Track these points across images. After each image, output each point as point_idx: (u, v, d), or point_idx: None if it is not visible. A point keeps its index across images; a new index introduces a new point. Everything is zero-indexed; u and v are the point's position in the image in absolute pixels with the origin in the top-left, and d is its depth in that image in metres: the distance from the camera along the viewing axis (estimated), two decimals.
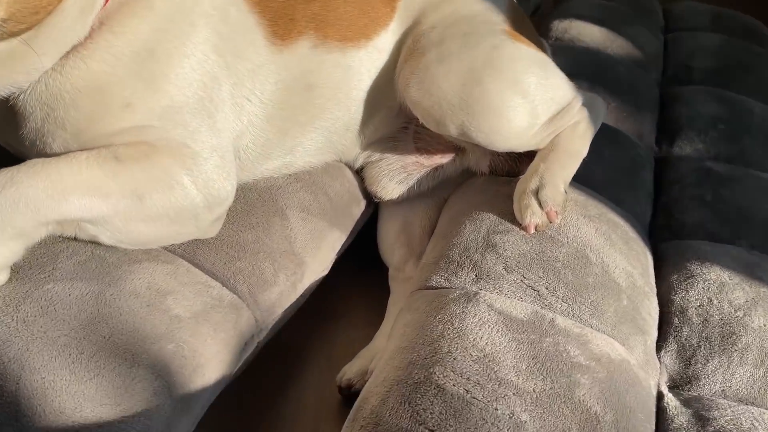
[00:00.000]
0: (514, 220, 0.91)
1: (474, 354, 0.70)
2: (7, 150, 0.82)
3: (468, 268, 0.85)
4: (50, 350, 0.63)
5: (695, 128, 1.37)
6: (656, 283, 0.95)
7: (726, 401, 0.79)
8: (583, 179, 1.07)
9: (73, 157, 0.69)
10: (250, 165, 0.90)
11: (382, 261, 1.10)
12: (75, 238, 0.73)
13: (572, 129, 0.96)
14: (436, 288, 0.85)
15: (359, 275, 1.12)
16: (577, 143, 0.95)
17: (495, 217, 0.92)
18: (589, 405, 0.68)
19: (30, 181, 0.66)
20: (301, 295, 0.91)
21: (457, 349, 0.71)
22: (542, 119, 0.93)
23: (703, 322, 0.86)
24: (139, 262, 0.75)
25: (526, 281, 0.83)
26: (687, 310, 0.88)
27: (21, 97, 0.71)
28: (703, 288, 0.90)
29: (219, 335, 0.75)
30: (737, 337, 0.84)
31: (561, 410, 0.67)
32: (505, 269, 0.84)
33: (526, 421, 0.65)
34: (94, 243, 0.74)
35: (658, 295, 0.93)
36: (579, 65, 1.39)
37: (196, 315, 0.74)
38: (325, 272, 0.97)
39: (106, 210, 0.70)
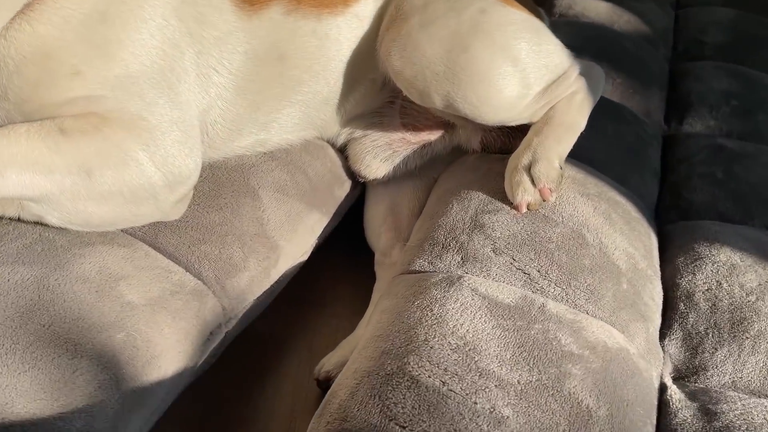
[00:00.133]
0: (504, 199, 0.84)
1: (453, 342, 0.64)
2: None
3: (453, 251, 0.79)
4: None
5: (706, 104, 1.29)
6: (661, 266, 0.88)
7: (736, 394, 0.71)
8: (584, 157, 0.99)
9: (12, 129, 0.63)
10: (220, 142, 0.84)
11: None
12: (20, 220, 0.67)
13: (568, 100, 0.88)
14: (419, 272, 0.78)
15: (347, 261, 1.06)
16: (573, 115, 0.88)
17: (485, 195, 0.86)
18: (580, 398, 0.61)
19: None
20: (277, 282, 0.84)
21: (434, 337, 0.64)
22: (535, 89, 0.86)
23: (711, 307, 0.79)
24: (92, 245, 0.69)
25: (516, 264, 0.76)
26: (694, 294, 0.81)
27: None
28: (711, 270, 0.83)
29: (178, 324, 0.69)
30: (749, 323, 0.76)
31: (548, 404, 0.60)
32: (494, 251, 0.78)
33: (508, 416, 0.58)
34: (43, 225, 0.68)
35: (663, 278, 0.85)
36: (583, 40, 1.31)
37: (152, 302, 0.68)
38: (305, 257, 0.91)
39: (50, 187, 0.64)
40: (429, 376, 0.61)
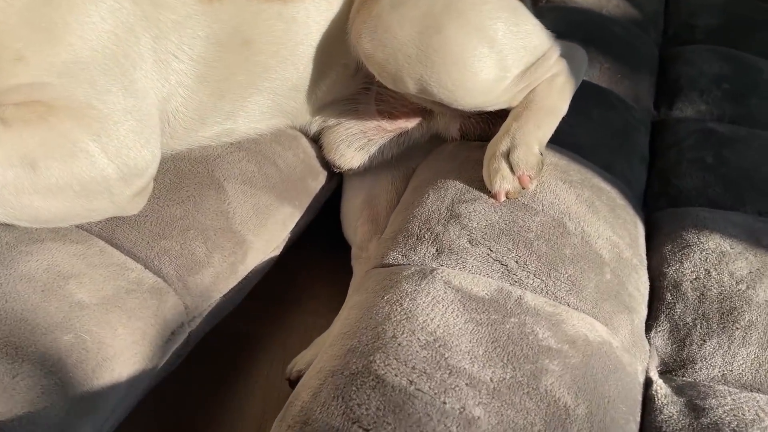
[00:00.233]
0: (483, 188, 0.80)
1: (422, 338, 0.60)
2: None
3: (428, 242, 0.75)
4: None
5: (697, 88, 1.25)
6: (648, 255, 0.84)
7: (726, 387, 0.68)
8: (568, 143, 0.95)
9: None
10: (183, 132, 0.80)
11: None
12: None
13: (549, 83, 0.84)
14: (392, 265, 0.74)
15: (324, 257, 1.02)
16: (554, 99, 0.84)
17: (462, 184, 0.82)
18: (557, 396, 0.58)
19: None
20: (246, 278, 0.81)
21: (402, 334, 0.61)
22: (513, 71, 0.82)
23: (699, 297, 0.75)
24: (41, 241, 0.65)
25: (493, 255, 0.73)
26: (681, 283, 0.77)
27: None
28: (700, 259, 0.79)
29: (134, 324, 0.66)
30: (739, 313, 0.72)
31: (523, 403, 0.56)
32: (470, 242, 0.74)
33: (479, 417, 0.54)
34: None
35: (650, 268, 0.82)
36: (570, 25, 1.27)
37: (104, 301, 0.64)
38: (276, 252, 0.87)
39: None
40: (396, 375, 0.57)
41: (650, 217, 0.93)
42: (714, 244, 0.80)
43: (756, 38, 1.47)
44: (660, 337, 0.73)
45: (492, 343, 0.61)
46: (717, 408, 0.63)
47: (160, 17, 0.73)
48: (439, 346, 0.59)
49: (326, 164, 0.96)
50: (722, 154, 1.02)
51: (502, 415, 0.55)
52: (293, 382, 0.81)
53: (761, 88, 1.24)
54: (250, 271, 0.81)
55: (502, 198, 0.78)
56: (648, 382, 0.69)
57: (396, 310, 0.64)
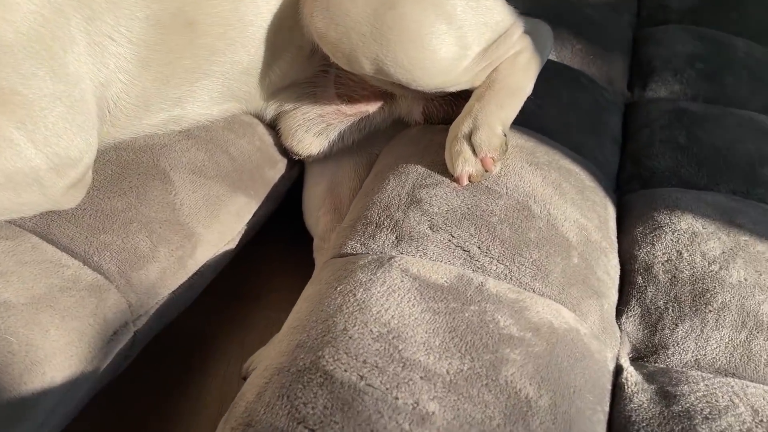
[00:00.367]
0: (445, 172, 0.77)
1: (375, 330, 0.56)
2: None
3: (387, 230, 0.71)
4: None
5: (670, 69, 1.22)
6: (619, 237, 0.81)
7: (699, 373, 0.64)
8: (536, 125, 0.92)
9: None
10: (125, 120, 0.75)
11: None
12: None
13: (512, 61, 0.81)
14: (350, 255, 0.70)
15: (286, 249, 0.98)
16: (518, 77, 0.81)
17: (424, 169, 0.78)
18: (518, 387, 0.54)
19: None
20: (197, 273, 0.76)
21: (354, 326, 0.57)
22: (474, 49, 0.78)
23: (671, 279, 0.72)
24: None
25: (454, 240, 0.69)
26: (653, 266, 0.73)
27: None
28: (671, 240, 0.75)
29: (69, 324, 0.61)
30: (712, 295, 0.69)
31: (481, 395, 0.53)
32: (431, 228, 0.70)
33: (433, 412, 0.51)
34: None
35: (621, 251, 0.78)
36: (542, 6, 1.23)
37: (34, 300, 0.60)
38: (231, 246, 0.82)
39: None
40: (345, 371, 0.53)
41: (622, 199, 0.90)
42: (686, 224, 0.77)
43: (730, 17, 1.44)
44: (631, 323, 0.70)
45: (450, 332, 0.57)
46: (689, 395, 0.60)
47: None
48: (393, 338, 0.56)
49: (285, 152, 0.92)
50: (695, 133, 0.99)
51: (458, 409, 0.51)
52: None
53: (736, 67, 1.22)
54: (202, 266, 0.77)
55: (465, 182, 0.74)
56: (618, 370, 0.66)
57: (348, 301, 0.60)
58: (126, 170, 0.73)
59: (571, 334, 0.62)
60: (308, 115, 0.88)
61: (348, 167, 0.93)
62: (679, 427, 0.57)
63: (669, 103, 1.09)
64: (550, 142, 0.88)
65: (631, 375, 0.64)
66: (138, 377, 0.77)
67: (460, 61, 0.78)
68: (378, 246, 0.70)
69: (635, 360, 0.68)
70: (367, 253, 0.69)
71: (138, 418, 0.77)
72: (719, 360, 0.66)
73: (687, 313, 0.68)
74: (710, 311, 0.68)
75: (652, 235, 0.77)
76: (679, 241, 0.75)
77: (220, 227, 0.79)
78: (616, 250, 0.77)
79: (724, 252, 0.73)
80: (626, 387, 0.62)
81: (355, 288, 0.61)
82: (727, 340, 0.67)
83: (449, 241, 0.69)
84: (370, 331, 0.56)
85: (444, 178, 0.76)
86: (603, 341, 0.66)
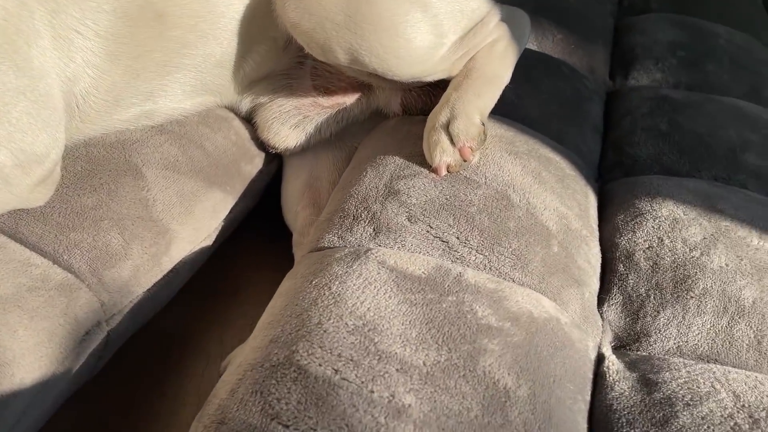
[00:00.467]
0: (423, 162, 0.76)
1: (351, 323, 0.55)
2: None
3: (365, 222, 0.70)
4: None
5: (652, 57, 1.21)
6: (600, 226, 0.80)
7: (681, 360, 0.64)
8: (516, 114, 0.91)
9: None
10: (95, 115, 0.73)
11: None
12: None
13: (489, 49, 0.80)
14: (328, 248, 0.69)
15: (266, 245, 0.96)
16: (495, 66, 0.80)
17: (402, 160, 0.77)
18: (496, 377, 0.53)
19: None
20: (173, 270, 0.75)
21: (329, 319, 0.56)
22: (450, 38, 0.77)
23: (652, 266, 0.71)
24: None
25: (433, 231, 0.68)
26: (634, 254, 0.73)
27: None
28: (652, 227, 0.75)
29: (38, 324, 0.60)
30: (693, 281, 0.69)
31: (458, 387, 0.52)
32: (409, 219, 0.69)
33: (410, 405, 0.50)
34: None
35: (602, 239, 0.77)
36: None
37: (1, 301, 0.58)
38: (208, 242, 0.81)
39: None
40: (320, 365, 0.52)
41: (605, 187, 0.89)
42: (667, 211, 0.76)
43: (711, 3, 1.44)
44: (613, 311, 0.69)
45: (427, 324, 0.56)
46: (670, 381, 0.59)
47: None
48: (369, 331, 0.55)
49: (263, 146, 0.90)
50: (676, 120, 0.99)
51: (435, 401, 0.50)
52: None
53: (717, 54, 1.21)
54: (178, 263, 0.75)
55: (443, 172, 0.73)
56: (600, 359, 0.65)
57: (324, 294, 0.59)
58: (97, 167, 0.72)
59: (551, 323, 0.61)
60: (284, 108, 0.86)
61: (327, 161, 0.92)
62: (661, 414, 0.56)
63: (651, 91, 1.09)
64: (531, 131, 0.87)
65: (613, 363, 0.63)
66: (115, 377, 0.75)
67: (436, 50, 0.77)
68: (355, 239, 0.69)
69: (617, 348, 0.67)
70: (345, 246, 0.68)
71: (116, 418, 0.75)
72: (701, 346, 0.65)
73: (668, 300, 0.68)
74: (692, 297, 0.67)
75: (633, 222, 0.76)
76: (661, 228, 0.74)
77: (196, 223, 0.77)
78: (597, 238, 0.77)
79: (705, 238, 0.73)
80: (608, 375, 0.62)
81: (330, 281, 0.60)
82: (708, 326, 0.66)
83: (427, 232, 0.68)
84: (346, 324, 0.55)
85: (422, 169, 0.75)
86: (584, 330, 0.66)
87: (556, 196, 0.75)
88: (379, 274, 0.61)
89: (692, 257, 0.70)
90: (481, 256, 0.66)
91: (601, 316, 0.70)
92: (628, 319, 0.68)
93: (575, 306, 0.67)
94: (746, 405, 0.56)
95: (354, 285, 0.59)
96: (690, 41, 1.24)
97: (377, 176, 0.75)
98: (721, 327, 0.66)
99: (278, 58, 0.85)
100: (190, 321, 0.85)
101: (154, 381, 0.78)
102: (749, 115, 1.00)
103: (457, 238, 0.67)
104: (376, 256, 0.63)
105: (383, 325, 0.55)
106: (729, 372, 0.62)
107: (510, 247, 0.67)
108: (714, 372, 0.61)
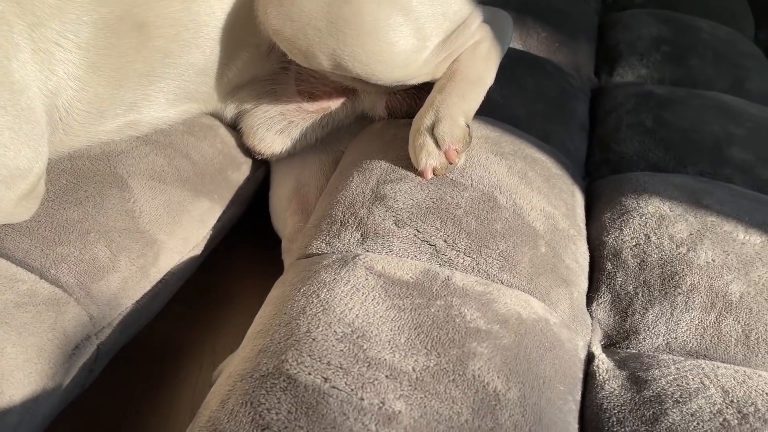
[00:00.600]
0: (409, 166, 0.76)
1: (339, 331, 0.55)
2: None
3: (353, 228, 0.70)
4: None
5: (636, 53, 1.22)
6: (588, 224, 0.80)
7: (670, 356, 0.64)
8: (502, 114, 0.92)
9: None
10: (79, 127, 0.73)
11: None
12: None
13: (472, 51, 0.80)
14: (316, 255, 0.69)
15: (255, 253, 0.96)
16: (479, 67, 0.80)
17: (388, 164, 0.77)
18: (486, 381, 0.53)
19: None
20: (162, 281, 0.75)
21: (318, 327, 0.56)
22: (433, 41, 0.77)
23: (640, 264, 0.71)
24: None
25: (420, 235, 0.68)
26: (621, 251, 0.73)
27: None
28: (639, 224, 0.75)
29: (26, 340, 0.59)
30: (681, 277, 0.69)
31: (448, 391, 0.52)
32: (396, 224, 0.69)
33: (400, 411, 0.50)
34: None
35: (590, 238, 0.78)
36: None
37: None
38: (197, 251, 0.81)
39: None
40: (309, 374, 0.52)
41: (592, 185, 0.90)
42: (653, 207, 0.77)
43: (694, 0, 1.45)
44: (602, 309, 0.70)
45: (415, 329, 0.56)
46: (660, 379, 0.60)
47: (35, 2, 0.66)
48: (357, 338, 0.55)
49: (249, 153, 0.90)
50: (661, 116, 0.99)
51: (425, 406, 0.50)
52: None
53: (701, 48, 1.22)
54: (166, 274, 0.75)
55: (430, 175, 0.73)
56: (590, 358, 0.65)
57: (312, 302, 0.59)
58: (82, 179, 0.71)
59: (540, 324, 0.62)
60: (269, 113, 0.86)
61: (314, 166, 0.92)
62: (650, 412, 0.56)
63: (635, 87, 1.09)
64: (516, 131, 0.87)
65: (603, 362, 0.63)
66: (107, 389, 0.75)
67: (419, 53, 0.77)
68: (343, 245, 0.69)
69: (607, 347, 0.68)
70: (333, 252, 0.68)
71: (109, 430, 0.75)
72: (690, 342, 0.66)
73: (656, 296, 0.68)
74: (679, 294, 0.68)
75: (620, 220, 0.77)
76: (647, 225, 0.75)
77: (183, 233, 0.77)
78: (585, 237, 0.77)
79: (691, 234, 0.73)
80: (598, 374, 0.62)
81: (318, 289, 0.60)
82: (697, 322, 0.67)
83: (415, 236, 0.68)
84: (334, 332, 0.55)
85: (408, 173, 0.75)
86: (573, 330, 0.66)
87: (542, 196, 0.76)
88: (367, 281, 0.61)
89: (679, 253, 0.71)
90: (468, 258, 0.66)
91: (591, 315, 0.70)
92: (617, 317, 0.69)
93: (564, 306, 0.67)
94: (735, 400, 0.57)
95: (342, 292, 0.59)
96: (673, 36, 1.24)
97: (363, 181, 0.75)
98: (710, 322, 0.66)
99: (262, 64, 0.85)
100: (182, 330, 0.85)
101: (147, 391, 0.78)
102: (733, 109, 1.01)
103: (445, 241, 0.68)
104: (363, 262, 0.63)
105: (372, 332, 0.55)
106: (718, 367, 0.62)
107: (497, 248, 0.67)
108: (703, 368, 0.62)
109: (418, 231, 0.68)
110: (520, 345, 0.58)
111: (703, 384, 0.60)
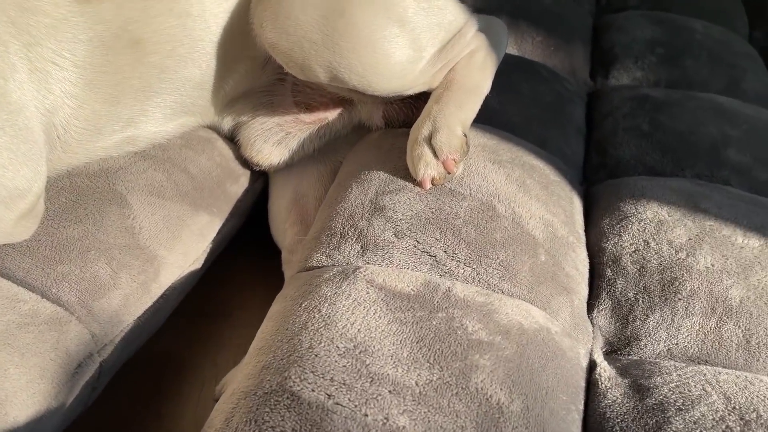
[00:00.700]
0: (408, 177, 0.76)
1: (342, 346, 0.55)
2: None
3: (352, 240, 0.70)
4: None
5: (631, 55, 1.22)
6: (587, 230, 0.80)
7: (672, 363, 0.64)
8: (498, 121, 0.92)
9: None
10: (77, 145, 0.73)
11: None
12: None
13: (468, 60, 0.80)
14: (316, 268, 0.69)
15: (256, 265, 0.96)
16: (475, 76, 0.80)
17: (386, 175, 0.77)
18: (489, 393, 0.53)
19: None
20: (163, 297, 0.75)
21: (320, 343, 0.56)
22: (429, 51, 0.77)
23: (639, 270, 0.71)
24: None
25: (420, 246, 0.68)
26: (621, 258, 0.73)
27: None
28: (638, 230, 0.75)
29: (29, 361, 0.59)
30: (681, 283, 0.69)
31: (452, 405, 0.52)
32: (396, 235, 0.69)
33: (404, 426, 0.50)
34: None
35: (589, 244, 0.78)
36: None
37: None
38: (197, 266, 0.81)
39: None
40: (312, 390, 0.52)
41: (590, 190, 0.90)
42: (651, 213, 0.77)
43: (688, 1, 1.45)
44: (603, 316, 0.70)
45: (417, 342, 0.56)
46: (662, 386, 0.60)
47: (31, 22, 0.66)
48: (360, 353, 0.55)
49: (247, 165, 0.90)
50: (658, 119, 0.99)
51: (429, 421, 0.50)
52: None
53: (695, 49, 1.22)
54: (167, 289, 0.75)
55: (428, 185, 0.73)
56: (592, 365, 0.65)
57: (314, 317, 0.59)
58: (81, 197, 0.71)
59: (542, 333, 0.62)
60: (266, 125, 0.86)
61: (312, 177, 0.92)
62: (653, 420, 0.56)
63: (631, 91, 1.10)
64: (514, 138, 0.87)
65: (605, 370, 0.64)
66: (111, 405, 0.75)
67: (415, 64, 0.77)
68: (343, 257, 0.69)
69: (609, 354, 0.68)
70: (333, 265, 0.68)
71: None
72: (691, 348, 0.66)
73: (657, 303, 0.68)
74: (680, 299, 0.68)
75: (618, 226, 0.77)
76: (646, 231, 0.75)
77: (183, 248, 0.77)
78: (584, 244, 0.77)
79: (690, 239, 0.73)
80: (600, 383, 0.62)
81: (320, 303, 0.60)
82: (697, 327, 0.67)
83: (415, 247, 0.68)
84: (337, 347, 0.55)
85: (407, 183, 0.75)
86: (575, 338, 0.66)
87: (541, 203, 0.76)
88: (369, 294, 0.61)
89: (678, 259, 0.71)
90: (469, 268, 0.66)
91: (591, 322, 0.70)
92: (618, 324, 0.69)
93: (565, 314, 0.67)
94: (737, 407, 0.57)
95: (344, 306, 0.60)
96: (668, 38, 1.25)
97: (362, 192, 0.75)
98: (710, 328, 0.67)
99: (258, 76, 0.85)
100: (184, 345, 0.85)
101: (150, 406, 0.78)
102: (728, 111, 1.01)
103: (445, 251, 0.68)
104: (364, 275, 0.63)
105: (374, 347, 0.55)
106: (719, 373, 0.62)
107: (497, 258, 0.68)
108: (705, 374, 0.62)
109: (418, 242, 0.68)
110: (522, 356, 0.58)
111: (705, 391, 0.60)
